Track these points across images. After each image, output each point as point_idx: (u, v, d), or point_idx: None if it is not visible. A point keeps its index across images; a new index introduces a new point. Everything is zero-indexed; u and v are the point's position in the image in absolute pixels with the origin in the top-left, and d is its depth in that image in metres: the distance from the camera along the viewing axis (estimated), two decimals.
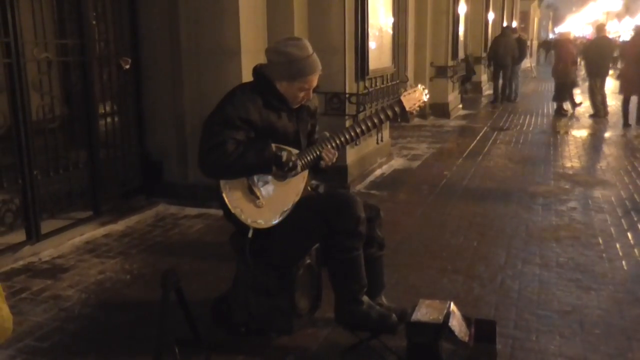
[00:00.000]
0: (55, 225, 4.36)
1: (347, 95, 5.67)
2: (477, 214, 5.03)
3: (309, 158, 2.75)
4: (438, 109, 10.98)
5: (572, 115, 11.76)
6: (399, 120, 3.20)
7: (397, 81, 7.04)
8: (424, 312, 2.57)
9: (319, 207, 2.71)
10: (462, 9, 12.22)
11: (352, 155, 5.83)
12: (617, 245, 4.26)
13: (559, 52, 12.48)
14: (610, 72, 13.25)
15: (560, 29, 51.33)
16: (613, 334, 2.96)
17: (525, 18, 32.02)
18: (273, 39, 4.94)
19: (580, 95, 13.55)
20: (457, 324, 2.60)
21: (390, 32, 6.95)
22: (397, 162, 7.24)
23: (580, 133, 9.76)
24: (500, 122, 10.93)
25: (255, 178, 2.68)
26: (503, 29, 14.64)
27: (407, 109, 2.95)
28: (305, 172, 2.78)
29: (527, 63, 22.22)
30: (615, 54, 27.78)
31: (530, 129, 10.18)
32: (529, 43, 24.85)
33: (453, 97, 11.95)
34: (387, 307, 2.86)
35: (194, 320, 2.69)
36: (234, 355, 2.73)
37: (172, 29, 5.11)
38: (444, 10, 11.25)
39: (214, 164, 2.60)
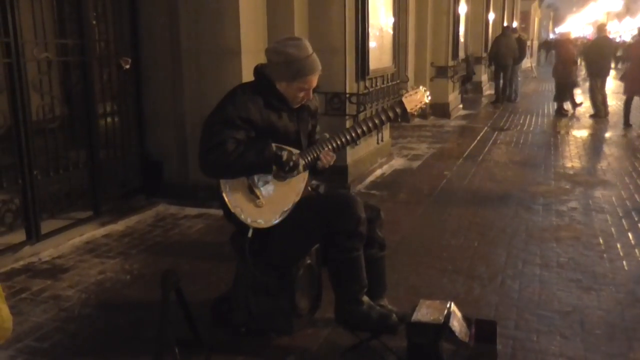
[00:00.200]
0: (55, 226, 4.36)
1: (347, 95, 5.66)
2: (478, 214, 5.03)
3: (309, 158, 2.75)
4: (438, 109, 10.98)
5: (573, 116, 11.75)
6: (399, 120, 3.20)
7: (398, 81, 7.04)
8: (425, 312, 2.57)
9: (319, 208, 2.71)
10: (463, 9, 12.22)
11: (352, 155, 5.83)
12: (618, 246, 4.25)
13: (559, 52, 12.48)
14: (613, 73, 13.25)
15: (560, 29, 51.36)
16: (614, 334, 2.96)
17: (525, 18, 32.02)
18: (273, 39, 4.92)
19: (580, 95, 13.54)
20: (457, 324, 2.60)
21: (391, 32, 6.95)
22: (397, 162, 7.24)
23: (580, 133, 9.75)
24: (501, 122, 10.93)
25: (256, 178, 2.67)
26: (504, 28, 14.65)
27: (408, 110, 2.95)
28: (306, 173, 2.77)
29: (527, 63, 22.24)
30: (619, 53, 27.80)
31: (531, 129, 10.18)
32: (529, 43, 24.86)
33: (453, 97, 11.94)
34: (388, 309, 2.85)
35: (194, 320, 2.68)
36: (234, 356, 2.73)
37: (173, 29, 5.11)
38: (445, 10, 11.24)
39: (213, 164, 2.60)
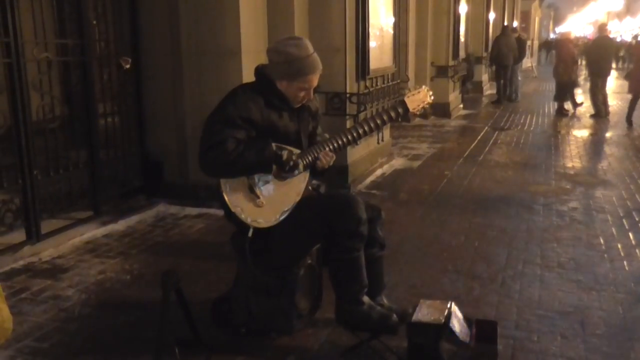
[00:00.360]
0: (56, 225, 4.36)
1: (347, 95, 5.66)
2: (478, 214, 5.02)
3: (310, 158, 2.74)
4: (439, 108, 10.97)
5: (573, 115, 11.75)
6: (399, 120, 3.19)
7: (398, 81, 7.03)
8: (425, 312, 2.57)
9: (320, 208, 2.70)
10: (463, 8, 12.22)
11: (352, 155, 5.82)
12: (619, 246, 4.25)
13: (559, 52, 12.47)
14: (615, 73, 13.27)
15: (561, 28, 51.36)
16: (614, 334, 2.95)
17: (526, 18, 32.01)
18: (274, 39, 4.93)
19: (581, 95, 13.53)
20: (458, 324, 2.60)
21: (391, 31, 6.95)
22: (397, 162, 7.24)
23: (581, 133, 9.75)
24: (501, 122, 10.92)
25: (256, 177, 2.67)
26: (503, 28, 14.63)
27: (410, 109, 2.94)
28: (307, 172, 2.77)
29: (528, 63, 22.24)
30: (621, 53, 27.75)
31: (531, 128, 10.17)
32: (529, 43, 24.86)
33: (454, 97, 11.94)
34: (388, 308, 2.85)
35: (194, 320, 2.68)
36: (235, 356, 2.73)
37: (173, 29, 5.10)
38: (445, 10, 11.24)
39: (213, 163, 2.60)
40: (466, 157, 7.60)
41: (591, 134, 9.69)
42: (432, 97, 3.03)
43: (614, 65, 16.62)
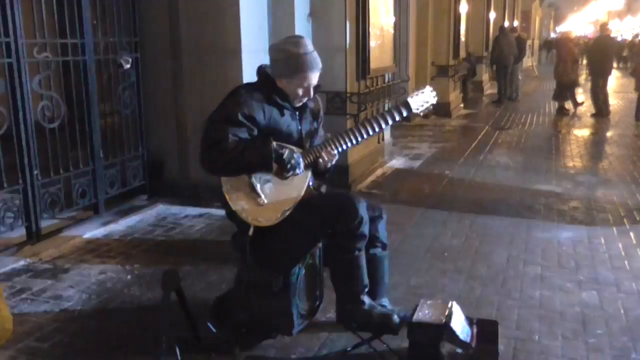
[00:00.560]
0: (56, 225, 4.36)
1: (348, 95, 5.65)
2: (479, 214, 5.02)
3: (311, 157, 2.74)
4: (439, 108, 10.95)
5: (574, 115, 11.74)
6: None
7: (399, 80, 7.03)
8: (426, 312, 2.57)
9: (321, 207, 2.70)
10: (464, 8, 12.21)
11: (353, 154, 5.82)
12: (620, 245, 4.24)
13: (559, 51, 12.46)
14: (617, 73, 13.30)
15: (561, 28, 51.32)
16: (615, 334, 2.95)
17: (526, 17, 31.96)
18: (274, 39, 4.94)
19: (582, 94, 13.53)
20: (458, 324, 2.59)
21: (392, 31, 6.94)
22: (398, 162, 7.23)
23: (582, 132, 9.74)
24: (502, 121, 10.92)
25: (257, 176, 2.67)
26: (501, 28, 14.57)
27: (413, 110, 2.93)
28: (308, 172, 2.77)
29: (528, 62, 22.22)
30: (624, 53, 27.74)
31: (532, 128, 10.17)
32: (529, 42, 24.84)
33: (454, 97, 11.93)
34: (390, 309, 2.85)
35: (195, 320, 2.68)
36: (235, 356, 2.72)
37: (173, 28, 5.10)
38: (445, 9, 11.24)
39: (214, 160, 2.60)
40: (467, 156, 7.60)
41: (592, 134, 9.69)
42: (437, 98, 3.03)
43: (615, 65, 16.60)
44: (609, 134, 9.65)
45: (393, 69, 6.91)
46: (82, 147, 4.69)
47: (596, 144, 8.89)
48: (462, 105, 12.73)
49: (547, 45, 35.65)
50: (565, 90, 11.83)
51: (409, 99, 2.94)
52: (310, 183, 2.79)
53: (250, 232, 2.65)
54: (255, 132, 2.65)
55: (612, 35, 13.17)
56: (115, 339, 2.91)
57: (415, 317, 2.54)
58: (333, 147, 2.78)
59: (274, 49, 2.73)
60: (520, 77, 14.67)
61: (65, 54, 4.53)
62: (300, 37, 2.80)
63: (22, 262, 3.91)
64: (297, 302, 2.79)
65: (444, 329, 2.49)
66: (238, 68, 4.87)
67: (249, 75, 4.58)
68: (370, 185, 6.11)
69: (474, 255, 4.05)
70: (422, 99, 2.96)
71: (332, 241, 2.67)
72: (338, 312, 2.76)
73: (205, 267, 3.80)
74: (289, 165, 2.62)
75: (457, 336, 2.54)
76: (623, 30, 48.17)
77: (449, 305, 2.62)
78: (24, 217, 4.10)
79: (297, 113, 2.80)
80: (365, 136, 2.86)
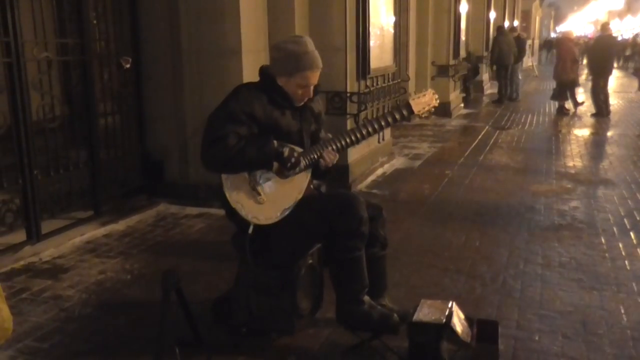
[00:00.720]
0: (56, 225, 4.36)
1: (348, 94, 5.65)
2: (479, 214, 5.01)
3: (311, 157, 2.74)
4: (439, 108, 10.75)
5: (574, 115, 11.73)
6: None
7: (399, 80, 7.03)
8: (426, 312, 2.56)
9: (321, 207, 2.70)
10: (464, 7, 12.21)
11: (353, 154, 5.82)
12: (620, 245, 4.24)
13: (559, 51, 12.47)
14: (617, 73, 13.32)
15: (561, 28, 51.34)
16: (616, 334, 2.94)
17: (526, 17, 31.97)
18: (274, 39, 4.94)
19: (582, 94, 13.53)
20: (459, 324, 2.59)
21: (392, 31, 6.94)
22: (398, 162, 7.23)
23: (582, 132, 9.74)
24: (502, 121, 10.91)
25: (258, 174, 2.67)
26: (499, 28, 14.53)
27: (415, 112, 2.95)
28: (309, 171, 2.77)
29: (528, 62, 22.21)
30: (627, 52, 27.75)
31: (532, 128, 10.17)
32: (529, 42, 24.84)
33: (454, 96, 11.93)
34: (389, 309, 2.84)
35: (195, 320, 2.67)
36: (235, 356, 2.72)
37: (173, 28, 5.10)
38: (446, 9, 11.23)
39: (215, 157, 2.60)
40: (467, 156, 7.60)
41: (592, 133, 9.68)
42: (438, 101, 3.05)
43: (615, 64, 16.60)
44: (609, 133, 9.64)
45: (393, 68, 6.91)
46: (82, 147, 4.69)
47: (596, 143, 8.89)
48: (462, 105, 12.73)
49: (547, 45, 35.66)
50: (565, 89, 11.82)
51: (411, 102, 2.94)
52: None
53: (250, 230, 2.65)
54: (256, 130, 2.66)
55: (613, 34, 13.16)
56: (115, 339, 2.91)
57: (415, 317, 2.54)
58: (334, 147, 2.79)
59: (275, 48, 2.75)
60: (520, 77, 14.66)
61: (65, 54, 4.53)
62: (301, 36, 2.82)
63: (21, 262, 3.91)
64: (297, 302, 2.79)
65: (444, 328, 2.48)
66: (238, 68, 4.87)
67: (249, 75, 4.58)
68: (371, 184, 6.11)
69: (474, 255, 4.04)
70: (424, 102, 2.97)
71: (332, 241, 2.67)
72: (338, 312, 2.76)
73: (205, 267, 3.80)
74: (289, 164, 2.62)
75: (457, 336, 2.54)
76: (623, 30, 48.17)
77: (449, 305, 2.62)
78: (23, 217, 4.09)
79: (298, 113, 2.80)
80: (366, 137, 2.87)
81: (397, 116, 2.90)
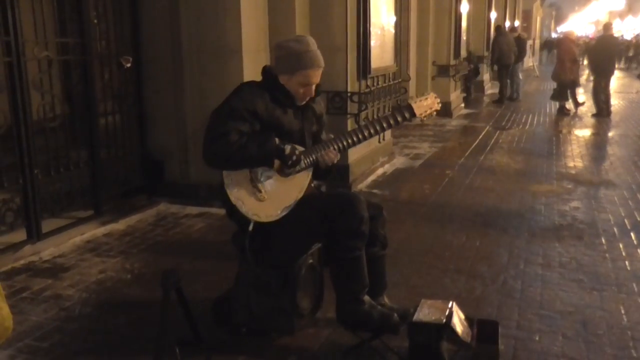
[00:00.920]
0: (56, 225, 4.35)
1: (349, 94, 5.65)
2: (479, 214, 5.01)
3: (313, 156, 2.75)
4: (440, 108, 10.95)
5: (575, 115, 11.73)
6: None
7: (399, 80, 7.02)
8: (426, 312, 2.56)
9: (322, 206, 2.71)
10: (465, 7, 12.20)
11: (353, 154, 5.81)
12: (620, 246, 4.24)
13: (558, 51, 12.47)
14: (618, 73, 13.32)
15: (562, 28, 51.33)
16: (616, 334, 2.94)
17: (527, 17, 31.95)
18: (275, 39, 4.93)
19: (583, 94, 13.52)
20: (459, 324, 2.59)
21: (392, 30, 6.93)
22: (399, 161, 7.23)
23: (582, 132, 9.73)
24: (503, 121, 10.91)
25: (259, 172, 2.68)
26: (498, 28, 14.52)
27: (417, 115, 2.95)
28: (310, 170, 2.78)
29: (529, 62, 22.22)
30: (630, 53, 27.75)
31: (533, 128, 10.16)
32: (530, 42, 24.83)
33: (455, 96, 11.92)
34: (389, 308, 2.84)
35: (195, 320, 2.67)
36: (235, 356, 2.72)
37: (173, 28, 5.10)
38: (446, 8, 11.23)
39: (216, 153, 2.60)
40: (468, 156, 7.59)
41: (593, 134, 9.67)
42: (440, 104, 3.06)
43: (617, 65, 16.62)
44: (610, 134, 9.64)
45: (394, 68, 6.91)
46: (83, 146, 4.69)
47: (597, 144, 8.88)
48: (463, 105, 12.72)
49: (548, 45, 35.64)
50: (565, 90, 11.81)
51: (413, 104, 2.95)
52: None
53: (250, 227, 2.66)
54: (258, 127, 2.66)
55: (614, 35, 13.16)
56: (115, 339, 2.91)
57: (415, 317, 2.53)
58: (335, 147, 2.79)
59: (277, 47, 2.77)
60: (521, 77, 14.66)
61: (66, 53, 4.54)
62: (304, 36, 2.85)
63: (22, 261, 3.91)
64: (297, 302, 2.79)
65: (444, 328, 2.48)
66: (239, 68, 4.87)
67: (250, 75, 4.58)
68: (371, 184, 6.11)
69: (475, 255, 4.04)
70: (426, 105, 2.98)
71: (332, 240, 2.67)
72: (338, 311, 2.75)
73: (205, 267, 3.80)
74: (290, 162, 2.63)
75: (457, 336, 2.54)
76: (624, 30, 48.17)
77: (450, 305, 2.61)
78: (24, 216, 4.09)
79: (300, 112, 2.81)
80: (368, 138, 2.88)
81: (399, 118, 2.91)
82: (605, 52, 11.32)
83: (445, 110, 11.08)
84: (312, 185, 2.83)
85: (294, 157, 2.63)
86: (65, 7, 4.55)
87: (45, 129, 4.27)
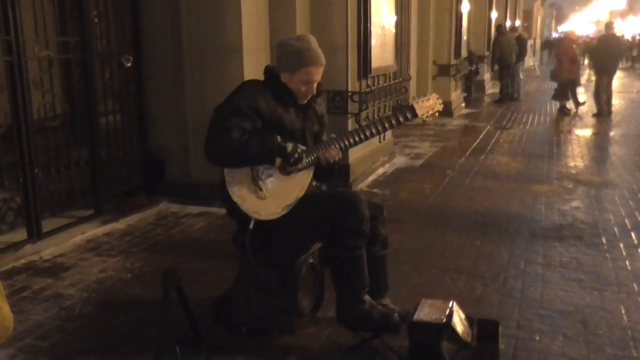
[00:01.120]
0: (57, 224, 4.36)
1: (349, 94, 5.65)
2: (480, 213, 5.01)
3: (314, 154, 2.75)
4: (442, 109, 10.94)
5: (575, 115, 11.72)
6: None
7: (400, 79, 7.02)
8: (426, 311, 2.56)
9: (323, 204, 2.71)
10: (465, 7, 12.20)
11: (354, 153, 5.81)
12: (621, 245, 4.23)
13: (557, 50, 12.46)
14: (619, 73, 13.29)
15: (563, 27, 51.32)
16: (616, 334, 2.94)
17: (528, 17, 31.93)
18: (275, 38, 4.93)
19: (584, 94, 13.51)
20: (459, 323, 2.59)
21: (393, 30, 6.93)
22: (399, 161, 7.23)
23: (583, 132, 9.73)
24: (503, 121, 10.91)
25: (260, 170, 2.68)
26: (499, 27, 14.51)
27: (419, 115, 2.96)
28: (311, 169, 2.78)
29: (530, 62, 22.22)
30: (634, 53, 27.72)
31: (533, 127, 10.16)
32: (531, 42, 24.82)
33: (456, 96, 11.92)
34: (390, 308, 2.84)
35: (195, 319, 2.67)
36: (236, 355, 2.72)
37: (174, 27, 5.10)
38: (447, 8, 11.22)
39: (217, 150, 2.61)
40: (468, 156, 7.59)
41: (593, 134, 9.67)
42: (442, 105, 3.07)
43: (620, 65, 16.60)
44: (611, 134, 9.63)
45: (394, 68, 6.91)
46: (83, 145, 4.69)
47: (598, 144, 8.87)
48: (463, 104, 12.72)
49: (548, 45, 35.63)
50: (566, 89, 11.81)
51: (415, 105, 2.95)
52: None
53: (251, 225, 2.65)
54: (260, 125, 2.67)
55: (616, 34, 13.15)
56: (116, 338, 2.91)
57: (416, 317, 2.53)
58: (337, 146, 2.79)
59: (279, 45, 2.78)
60: (521, 77, 14.66)
61: (66, 52, 4.54)
62: (305, 35, 2.86)
63: (22, 261, 3.91)
64: (298, 301, 2.79)
65: (444, 328, 2.48)
66: (239, 67, 4.87)
67: (250, 74, 4.58)
68: (372, 184, 6.11)
69: (475, 255, 4.04)
70: (428, 106, 2.99)
71: (333, 239, 2.67)
72: (339, 311, 2.76)
73: (205, 266, 3.80)
74: (292, 159, 2.63)
75: (457, 336, 2.54)
76: (625, 30, 48.14)
77: (450, 305, 2.61)
78: (24, 216, 4.09)
79: (302, 111, 2.82)
80: (369, 137, 2.89)
81: (401, 119, 2.92)
82: (608, 52, 11.31)
83: (445, 110, 10.99)
84: (313, 184, 2.83)
85: (296, 155, 2.63)
86: (65, 5, 4.55)
87: (46, 128, 4.27)
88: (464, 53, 12.47)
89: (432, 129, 9.75)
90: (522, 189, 5.85)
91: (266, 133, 2.64)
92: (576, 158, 7.51)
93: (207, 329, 2.79)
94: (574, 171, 6.72)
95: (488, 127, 10.09)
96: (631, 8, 54.61)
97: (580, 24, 59.58)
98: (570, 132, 9.72)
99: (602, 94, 11.28)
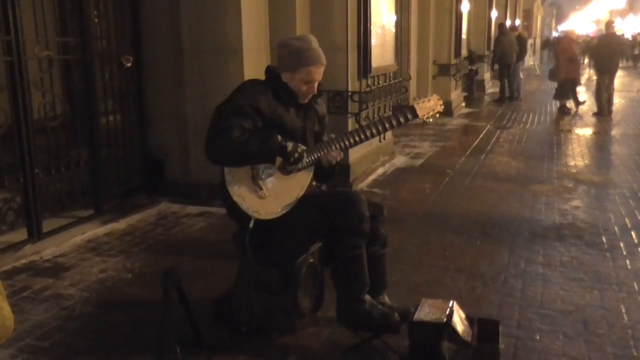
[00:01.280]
0: (57, 224, 4.36)
1: (349, 93, 5.65)
2: (480, 213, 5.01)
3: (315, 154, 2.75)
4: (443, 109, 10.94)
5: (576, 114, 11.72)
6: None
7: (400, 79, 7.02)
8: (427, 311, 2.56)
9: (323, 204, 2.71)
10: (465, 6, 12.20)
11: (354, 153, 5.81)
12: (621, 245, 4.23)
13: (556, 50, 12.46)
14: (620, 72, 13.28)
15: (563, 27, 51.30)
16: (617, 333, 2.94)
17: (528, 16, 31.93)
18: (275, 38, 4.93)
19: (584, 93, 13.50)
20: (459, 323, 2.59)
21: (393, 30, 6.93)
22: (399, 161, 7.23)
23: (583, 131, 9.73)
24: (503, 120, 10.91)
25: (261, 169, 2.68)
26: (501, 26, 14.53)
27: (419, 116, 2.96)
28: (311, 169, 2.78)
29: (530, 61, 22.22)
30: (636, 52, 27.68)
31: (534, 127, 10.16)
32: (531, 41, 24.82)
33: (456, 95, 11.91)
34: (390, 307, 2.85)
35: (196, 319, 2.67)
36: (236, 355, 2.72)
37: (174, 27, 5.10)
38: (447, 8, 11.23)
39: (218, 149, 2.61)
40: (468, 155, 7.59)
41: (594, 133, 9.67)
42: (443, 107, 3.08)
43: (621, 64, 16.59)
44: (611, 133, 9.62)
45: (394, 67, 6.90)
46: (83, 145, 4.69)
47: (598, 143, 8.87)
48: (464, 104, 12.72)
49: (548, 44, 35.64)
50: (566, 89, 11.80)
51: (416, 106, 2.96)
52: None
53: (251, 224, 2.66)
54: (260, 124, 2.67)
55: (617, 33, 13.14)
56: (116, 338, 2.91)
57: (416, 316, 2.53)
58: (337, 146, 2.80)
59: (279, 45, 2.79)
60: (521, 76, 14.66)
61: (66, 52, 4.54)
62: (306, 35, 2.86)
63: (22, 261, 3.91)
64: (298, 301, 2.79)
65: (445, 328, 2.48)
66: (239, 67, 4.87)
67: (250, 74, 4.58)
68: (372, 183, 6.11)
69: (475, 254, 4.04)
70: (429, 107, 2.99)
71: (333, 239, 2.68)
72: (339, 311, 2.76)
73: (205, 266, 3.80)
74: (292, 159, 2.63)
75: (458, 335, 2.54)
76: (625, 29, 48.15)
77: (450, 304, 2.61)
78: (24, 216, 4.10)
79: (302, 111, 2.82)
80: (370, 138, 2.89)
81: (402, 119, 2.92)
82: (608, 50, 11.30)
83: (446, 110, 11.00)
84: (313, 184, 2.83)
85: (296, 154, 2.63)
86: (66, 6, 4.55)
87: (46, 128, 4.27)
88: (464, 52, 12.47)
89: (432, 129, 9.74)
90: (522, 189, 5.85)
91: (267, 132, 2.64)
92: (576, 157, 7.51)
93: (207, 329, 2.79)
94: (574, 170, 6.71)
95: (488, 126, 10.09)
96: (631, 7, 54.62)
97: (580, 23, 59.56)
98: (570, 131, 9.71)
99: (603, 93, 11.27)
